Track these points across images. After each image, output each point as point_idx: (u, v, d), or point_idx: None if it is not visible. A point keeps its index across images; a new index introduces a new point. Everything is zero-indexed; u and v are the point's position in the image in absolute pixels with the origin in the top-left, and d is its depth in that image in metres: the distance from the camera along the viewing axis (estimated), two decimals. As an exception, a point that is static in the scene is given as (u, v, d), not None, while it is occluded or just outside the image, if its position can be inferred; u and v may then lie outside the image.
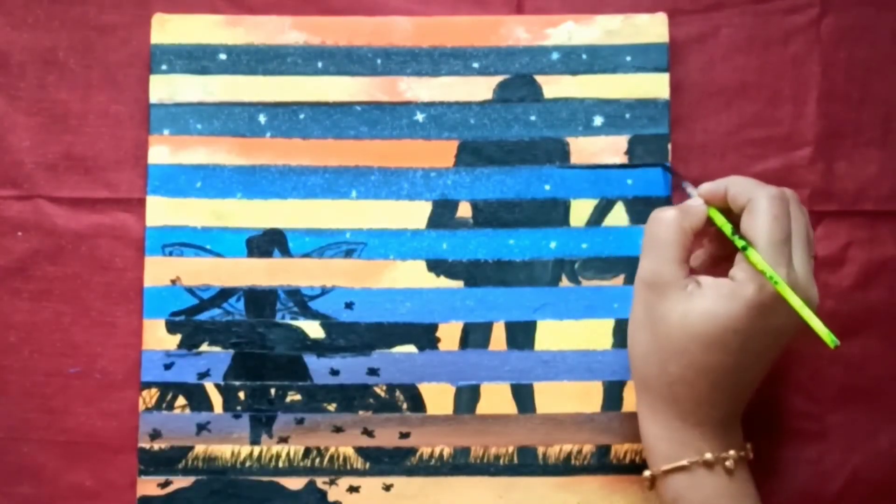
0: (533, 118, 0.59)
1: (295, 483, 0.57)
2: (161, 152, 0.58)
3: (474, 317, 0.58)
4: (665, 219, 0.51)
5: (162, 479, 0.57)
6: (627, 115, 0.59)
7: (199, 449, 0.57)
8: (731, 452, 0.50)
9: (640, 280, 0.52)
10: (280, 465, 0.57)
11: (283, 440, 0.57)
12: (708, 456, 0.49)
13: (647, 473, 0.52)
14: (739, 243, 0.49)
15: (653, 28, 0.59)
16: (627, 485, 0.57)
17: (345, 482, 0.57)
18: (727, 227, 0.51)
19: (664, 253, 0.51)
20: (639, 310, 0.52)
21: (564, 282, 0.58)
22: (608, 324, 0.58)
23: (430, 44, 0.59)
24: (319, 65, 0.59)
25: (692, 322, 0.49)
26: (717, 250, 0.55)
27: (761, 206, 0.49)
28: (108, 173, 0.59)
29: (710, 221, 0.53)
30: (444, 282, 0.58)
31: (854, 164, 0.59)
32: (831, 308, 0.59)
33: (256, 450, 0.57)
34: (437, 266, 0.58)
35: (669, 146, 0.59)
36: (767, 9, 0.60)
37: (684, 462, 0.50)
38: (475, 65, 0.59)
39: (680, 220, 0.51)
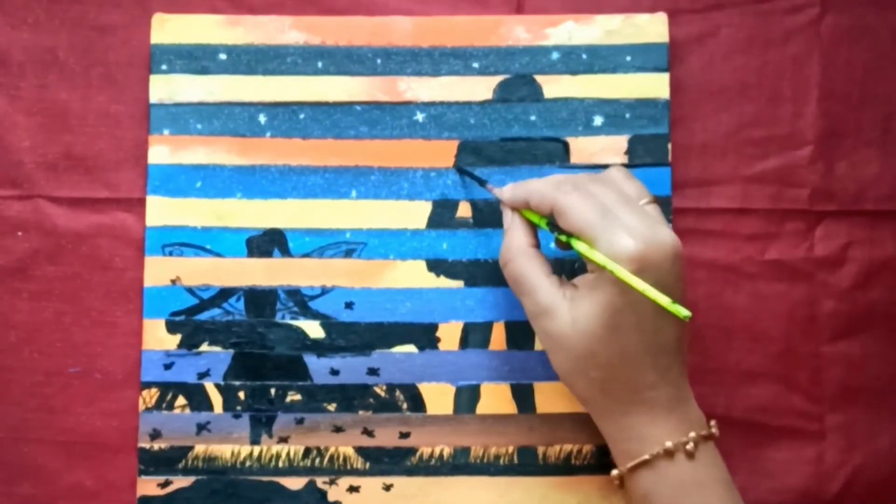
0: (533, 118, 0.59)
1: (295, 483, 0.57)
2: (161, 152, 0.58)
3: (474, 317, 0.58)
4: (515, 258, 0.52)
5: (162, 479, 0.57)
6: (627, 115, 0.59)
7: (199, 449, 0.57)
8: (692, 434, 0.49)
9: (531, 318, 0.52)
10: (280, 465, 0.57)
11: (283, 440, 0.57)
12: (668, 444, 0.49)
13: (614, 473, 0.51)
14: (562, 238, 0.50)
15: (653, 28, 0.59)
16: (627, 485, 0.57)
17: (345, 482, 0.57)
18: (544, 223, 0.52)
19: (532, 285, 0.51)
20: (545, 343, 0.52)
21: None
22: (608, 324, 0.58)
23: (430, 44, 0.59)
24: (319, 65, 0.59)
25: (583, 325, 0.49)
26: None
27: (564, 204, 0.50)
28: (108, 173, 0.59)
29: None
30: (444, 282, 0.58)
31: (854, 164, 0.59)
32: (831, 308, 0.59)
33: (256, 450, 0.57)
34: (437, 266, 0.58)
35: (669, 146, 0.59)
36: (767, 9, 0.60)
37: (645, 456, 0.49)
38: (475, 65, 0.59)
39: (526, 249, 0.53)
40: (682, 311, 0.45)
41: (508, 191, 0.54)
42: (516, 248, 0.53)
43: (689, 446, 0.49)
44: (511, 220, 0.54)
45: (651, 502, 0.50)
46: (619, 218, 0.48)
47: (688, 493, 0.49)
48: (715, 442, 0.50)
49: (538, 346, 0.58)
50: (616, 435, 0.51)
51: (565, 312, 0.50)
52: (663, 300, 0.46)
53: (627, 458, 0.50)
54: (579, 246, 0.49)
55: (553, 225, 0.51)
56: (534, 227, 0.54)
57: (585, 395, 0.51)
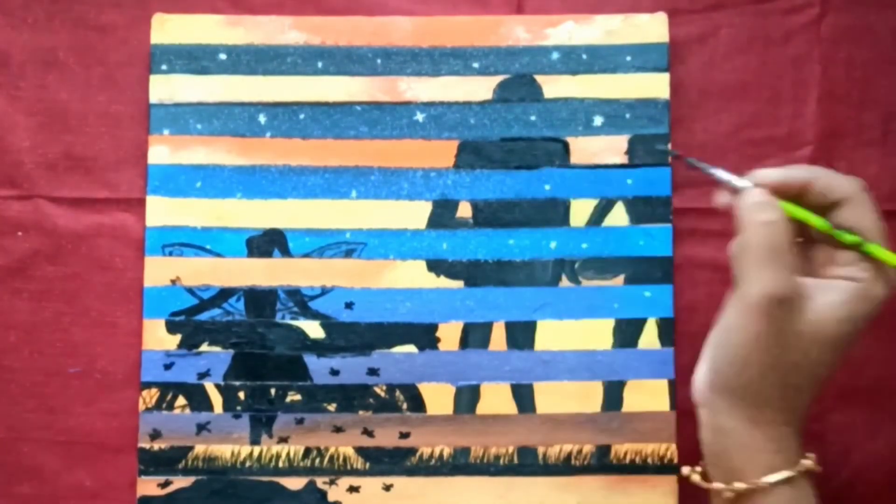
0: (533, 118, 0.59)
1: (295, 483, 0.57)
2: (161, 152, 0.58)
3: (474, 317, 0.58)
4: (777, 226, 0.45)
5: (162, 479, 0.57)
6: (627, 115, 0.59)
7: (199, 449, 0.57)
8: (806, 462, 0.46)
9: (763, 296, 0.44)
10: (280, 465, 0.57)
11: (283, 440, 0.57)
12: (808, 463, 0.45)
13: (738, 486, 0.46)
14: (852, 239, 0.45)
15: (653, 28, 0.59)
16: (627, 485, 0.57)
17: (345, 482, 0.57)
18: (820, 223, 0.46)
19: (785, 261, 0.45)
20: (759, 330, 0.45)
21: (564, 282, 0.58)
22: (608, 324, 0.58)
23: (430, 44, 0.59)
24: (319, 65, 0.59)
25: (828, 332, 0.45)
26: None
27: (865, 199, 0.46)
28: (108, 173, 0.59)
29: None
30: (444, 282, 0.58)
31: (854, 164, 0.59)
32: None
33: (256, 450, 0.57)
34: (437, 266, 0.58)
35: (669, 146, 0.59)
36: (767, 9, 0.60)
37: (790, 473, 0.45)
38: (475, 65, 0.59)
39: (784, 229, 0.45)
40: None
41: (774, 174, 0.47)
42: (773, 223, 0.45)
43: (794, 475, 0.45)
44: (758, 196, 0.46)
45: None
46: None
47: None
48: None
49: (538, 346, 0.58)
50: (761, 445, 0.46)
51: (812, 312, 0.45)
52: None
53: (768, 469, 0.45)
54: (877, 251, 0.45)
55: (839, 227, 0.46)
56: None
57: (759, 397, 0.46)
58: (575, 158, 0.59)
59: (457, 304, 0.58)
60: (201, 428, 0.57)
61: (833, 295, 0.45)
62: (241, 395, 0.58)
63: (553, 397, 0.58)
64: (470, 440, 0.58)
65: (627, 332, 0.58)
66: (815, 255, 0.48)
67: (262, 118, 0.59)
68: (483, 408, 0.58)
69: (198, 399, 0.58)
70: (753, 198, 0.46)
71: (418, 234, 0.59)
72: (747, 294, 0.45)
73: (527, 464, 0.58)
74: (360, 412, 0.58)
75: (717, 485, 0.47)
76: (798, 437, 0.46)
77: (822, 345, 0.45)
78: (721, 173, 0.48)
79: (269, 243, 0.58)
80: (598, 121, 0.59)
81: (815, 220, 0.46)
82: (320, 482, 0.57)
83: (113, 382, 0.58)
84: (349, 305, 0.58)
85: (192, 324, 0.58)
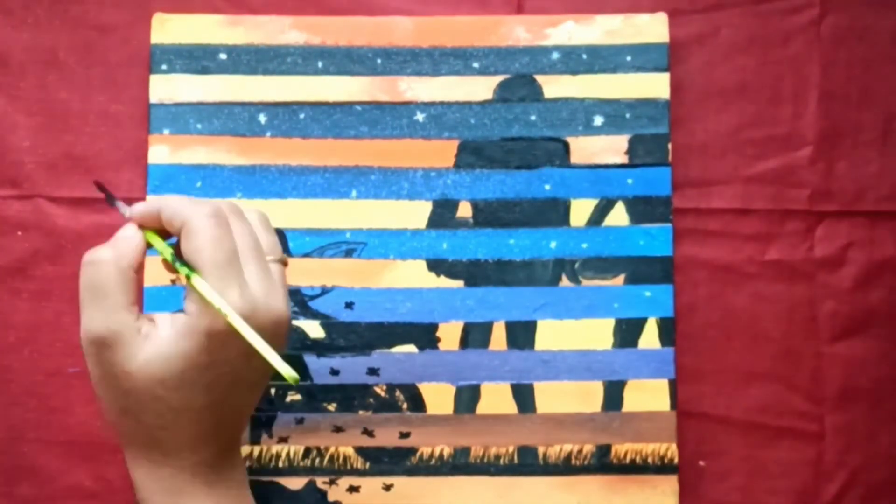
0: (533, 118, 0.59)
1: (295, 483, 0.57)
2: (161, 152, 0.58)
3: (474, 317, 0.58)
4: (99, 262, 0.44)
5: (162, 478, 0.57)
6: (627, 115, 0.59)
7: (199, 449, 0.57)
8: None
9: (87, 337, 0.44)
10: (280, 465, 0.57)
11: (283, 440, 0.57)
12: None
13: None
14: (183, 271, 0.44)
15: (653, 28, 0.59)
16: (627, 485, 0.57)
17: (345, 482, 0.57)
18: (167, 253, 0.45)
19: (109, 302, 0.44)
20: (97, 371, 0.45)
21: (564, 282, 0.58)
22: (608, 324, 0.58)
23: (430, 44, 0.59)
24: (319, 65, 0.59)
25: (154, 368, 0.43)
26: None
27: (197, 226, 0.44)
28: (108, 173, 0.59)
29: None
30: (444, 282, 0.58)
31: (854, 164, 0.59)
32: (831, 308, 0.59)
33: (256, 450, 0.57)
34: (437, 266, 0.58)
35: (669, 146, 0.59)
36: (767, 9, 0.60)
37: None
38: (475, 65, 0.59)
39: (116, 261, 0.44)
40: (292, 374, 0.42)
41: (141, 205, 0.46)
42: (114, 254, 0.44)
43: None
44: (128, 230, 0.46)
45: None
46: (243, 270, 0.44)
47: None
48: None
49: (538, 345, 0.58)
50: (151, 485, 0.46)
51: (139, 349, 0.43)
52: (273, 359, 0.43)
53: None
54: (200, 284, 0.43)
55: (177, 254, 0.45)
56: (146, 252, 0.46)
57: (130, 437, 0.46)
58: (575, 158, 0.59)
59: (457, 303, 0.58)
60: (201, 428, 0.57)
61: (167, 330, 0.44)
62: (241, 394, 0.58)
63: (553, 397, 0.58)
64: (470, 440, 0.58)
65: (627, 332, 0.58)
66: None
67: (262, 118, 0.59)
68: (483, 407, 0.58)
69: (198, 399, 0.57)
70: (119, 232, 0.46)
71: (418, 233, 0.59)
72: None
73: (527, 464, 0.58)
74: (360, 412, 0.58)
75: None
76: (194, 479, 0.46)
77: (159, 382, 0.43)
78: (121, 208, 0.47)
79: (269, 243, 0.58)
80: (598, 121, 0.59)
81: (163, 251, 0.46)
82: (320, 482, 0.57)
83: (112, 382, 0.58)
84: (349, 305, 0.58)
85: (192, 324, 0.58)
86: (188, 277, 0.44)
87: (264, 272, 0.45)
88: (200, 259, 0.43)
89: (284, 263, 0.48)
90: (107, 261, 0.44)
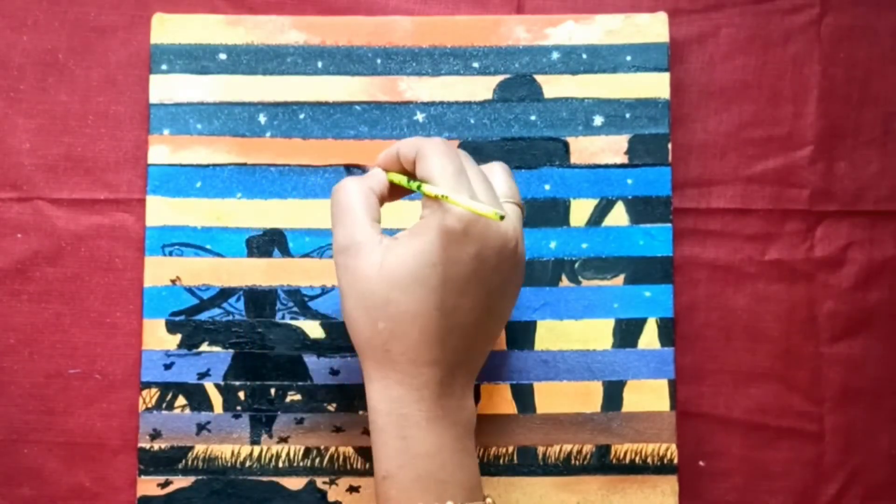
0: (533, 118, 0.59)
1: (295, 483, 0.57)
2: (161, 152, 0.58)
3: (474, 317, 0.58)
4: (348, 186, 0.50)
5: (162, 479, 0.57)
6: (627, 115, 0.59)
7: (199, 449, 0.57)
8: None
9: (336, 248, 0.49)
10: (280, 465, 0.57)
11: (283, 440, 0.58)
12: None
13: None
14: (414, 185, 0.48)
15: (653, 28, 0.59)
16: (627, 485, 0.57)
17: (345, 482, 0.57)
18: (404, 179, 0.50)
19: (354, 217, 0.49)
20: (341, 279, 0.49)
21: (564, 282, 0.58)
22: (608, 324, 0.58)
23: (430, 44, 0.59)
24: (319, 65, 0.59)
25: (389, 268, 0.47)
26: None
27: (429, 149, 0.48)
28: (108, 174, 0.59)
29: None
30: (444, 282, 0.58)
31: (854, 164, 0.59)
32: (831, 308, 0.59)
33: (256, 450, 0.57)
34: (437, 266, 0.58)
35: (669, 146, 0.59)
36: (767, 9, 0.60)
37: None
38: (475, 64, 0.59)
39: (360, 187, 0.50)
40: (499, 212, 0.45)
41: (382, 154, 0.52)
42: (359, 181, 0.50)
43: None
44: (374, 170, 0.52)
45: None
46: (471, 186, 0.47)
47: None
48: None
49: (538, 345, 0.58)
50: (385, 407, 0.48)
51: (377, 254, 0.47)
52: (495, 214, 0.45)
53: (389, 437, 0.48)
54: (429, 188, 0.47)
55: (412, 178, 0.49)
56: (390, 190, 0.51)
57: (366, 349, 0.48)
58: (575, 158, 0.59)
59: (457, 304, 0.58)
60: (201, 428, 0.58)
61: (403, 237, 0.48)
62: (241, 394, 0.58)
63: (553, 397, 0.58)
64: (470, 440, 0.58)
65: (627, 332, 0.58)
66: None
67: (262, 118, 0.59)
68: (483, 408, 0.58)
69: (198, 399, 0.58)
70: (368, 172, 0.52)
71: (418, 234, 0.58)
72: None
73: (527, 464, 0.58)
74: (360, 412, 0.58)
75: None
76: (420, 399, 0.47)
77: (393, 283, 0.47)
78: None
79: (269, 243, 0.58)
80: (598, 121, 0.59)
81: (400, 179, 0.50)
82: (320, 482, 0.57)
83: (113, 383, 0.58)
84: (349, 306, 0.58)
85: (192, 324, 0.58)
86: (419, 188, 0.48)
87: (493, 198, 0.48)
88: (433, 172, 0.47)
89: (521, 208, 0.51)
90: (351, 185, 0.50)
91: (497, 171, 0.51)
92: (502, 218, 0.45)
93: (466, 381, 0.50)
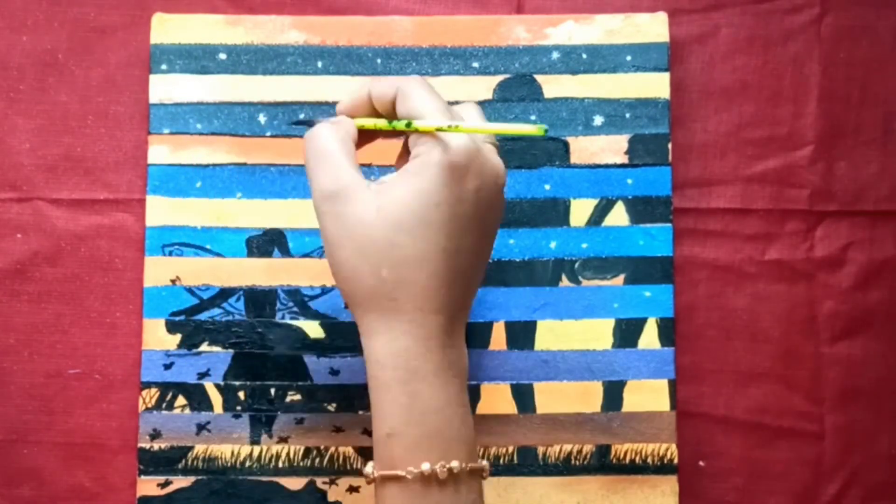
0: (533, 118, 0.59)
1: (295, 483, 0.57)
2: (161, 152, 0.58)
3: (474, 317, 0.58)
4: (324, 131, 0.47)
5: (162, 479, 0.57)
6: (627, 115, 0.59)
7: (199, 449, 0.57)
8: (454, 464, 0.44)
9: (319, 195, 0.45)
10: (280, 465, 0.57)
11: (283, 440, 0.58)
12: (425, 468, 0.44)
13: (368, 470, 0.45)
14: (401, 125, 0.46)
15: (653, 28, 0.59)
16: (627, 485, 0.57)
17: (345, 482, 0.57)
18: (381, 122, 0.47)
19: (336, 160, 0.46)
20: (330, 228, 0.45)
21: (564, 282, 0.58)
22: (608, 324, 0.58)
23: (430, 44, 0.59)
24: (319, 65, 0.59)
25: (389, 210, 0.44)
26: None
27: (411, 87, 0.46)
28: (108, 174, 0.59)
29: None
30: (443, 282, 0.58)
31: (854, 164, 0.59)
32: (831, 308, 0.59)
33: (256, 450, 0.57)
34: (436, 266, 0.58)
35: (669, 146, 0.59)
36: (767, 9, 0.60)
37: (400, 472, 0.44)
38: (475, 64, 0.59)
39: (334, 131, 0.47)
40: (542, 125, 0.43)
41: (345, 97, 0.49)
42: (334, 127, 0.47)
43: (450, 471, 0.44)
44: (339, 116, 0.49)
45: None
46: (460, 120, 0.45)
47: None
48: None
49: (538, 345, 0.58)
50: (390, 350, 0.45)
51: (369, 198, 0.44)
52: (540, 129, 0.43)
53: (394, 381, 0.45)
54: (423, 123, 0.44)
55: (395, 118, 0.47)
56: (358, 138, 0.48)
57: (367, 300, 0.45)
58: (575, 158, 0.59)
59: (457, 304, 0.58)
60: (201, 428, 0.58)
61: (397, 178, 0.45)
62: (241, 394, 0.58)
63: (553, 397, 0.58)
64: (470, 440, 0.58)
65: (627, 332, 0.58)
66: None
67: (262, 118, 0.59)
68: (483, 408, 0.58)
69: (198, 399, 0.58)
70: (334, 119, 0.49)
71: (418, 234, 0.58)
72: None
73: (527, 464, 0.58)
74: (360, 412, 0.58)
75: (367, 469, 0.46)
76: (428, 348, 0.45)
77: (397, 227, 0.44)
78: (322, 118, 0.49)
79: (269, 243, 0.58)
80: (598, 121, 0.59)
81: (376, 123, 0.48)
82: (320, 482, 0.57)
83: (113, 383, 0.58)
84: (349, 305, 0.58)
85: (191, 324, 0.58)
86: (409, 125, 0.45)
87: (483, 122, 0.47)
88: (421, 108, 0.45)
89: (496, 146, 0.48)
90: (326, 131, 0.47)
91: (470, 109, 0.48)
92: (546, 132, 0.43)
93: (462, 328, 0.48)
